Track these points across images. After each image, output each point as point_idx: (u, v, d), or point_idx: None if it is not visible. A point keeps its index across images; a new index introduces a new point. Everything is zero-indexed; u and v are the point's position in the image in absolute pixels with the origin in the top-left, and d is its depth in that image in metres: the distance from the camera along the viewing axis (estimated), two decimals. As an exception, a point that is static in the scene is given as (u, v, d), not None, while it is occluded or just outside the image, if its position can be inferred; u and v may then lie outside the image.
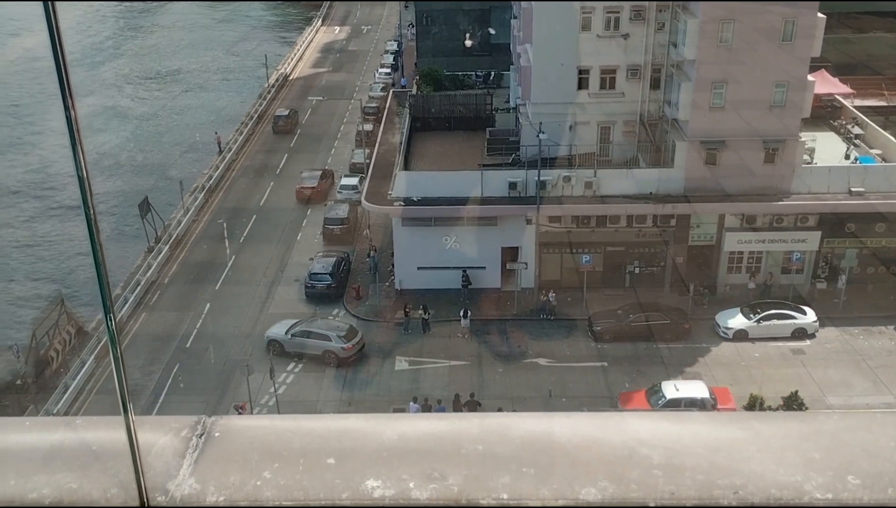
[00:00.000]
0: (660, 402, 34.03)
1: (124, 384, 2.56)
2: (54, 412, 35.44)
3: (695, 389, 34.76)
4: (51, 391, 36.79)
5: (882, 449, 2.56)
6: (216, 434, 2.71)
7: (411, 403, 35.26)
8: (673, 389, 34.63)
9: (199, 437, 2.70)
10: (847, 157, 43.46)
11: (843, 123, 46.82)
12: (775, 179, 40.77)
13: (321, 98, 69.33)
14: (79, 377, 37.75)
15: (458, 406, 34.87)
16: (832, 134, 46.16)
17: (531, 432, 2.66)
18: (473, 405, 34.65)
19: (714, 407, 33.81)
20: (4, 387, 37.32)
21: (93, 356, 39.24)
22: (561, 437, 2.62)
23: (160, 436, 2.70)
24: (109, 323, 2.53)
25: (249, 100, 79.14)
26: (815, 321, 40.16)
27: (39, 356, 37.64)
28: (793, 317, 40.19)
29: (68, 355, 38.95)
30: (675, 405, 33.55)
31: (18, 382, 37.48)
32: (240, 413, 34.46)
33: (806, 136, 41.47)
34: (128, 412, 2.54)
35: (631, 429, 2.62)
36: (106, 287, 2.51)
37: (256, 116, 71.60)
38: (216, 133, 67.09)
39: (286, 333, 39.71)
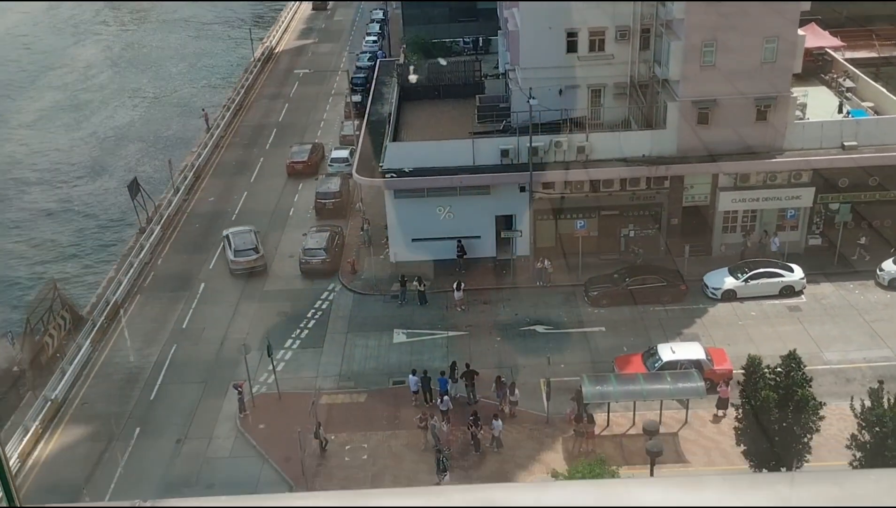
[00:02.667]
0: (656, 365, 34.05)
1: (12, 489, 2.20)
2: (52, 397, 35.38)
3: (691, 350, 34.75)
4: (48, 376, 36.70)
5: None
6: None
7: (410, 376, 35.24)
8: (669, 351, 34.62)
9: None
10: (840, 111, 43.14)
11: (835, 76, 46.44)
12: (768, 136, 40.48)
13: (308, 70, 68.51)
14: (76, 362, 37.65)
15: (453, 373, 34.86)
16: (824, 88, 45.82)
17: (520, 506, 2.34)
18: (470, 375, 34.66)
19: (711, 369, 33.85)
20: (1, 374, 37.20)
21: (89, 340, 39.10)
22: None
23: None
24: None
25: (236, 74, 78.30)
26: (802, 278, 40.17)
27: (35, 342, 37.48)
28: (780, 275, 40.17)
29: (64, 339, 38.79)
30: (672, 366, 33.57)
31: (15, 369, 37.35)
32: (239, 392, 34.52)
33: (797, 91, 41.12)
34: None
35: (635, 500, 2.30)
36: None
37: (243, 89, 70.82)
38: (203, 110, 66.43)
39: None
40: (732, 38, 38.74)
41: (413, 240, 43.95)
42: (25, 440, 33.30)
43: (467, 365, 34.97)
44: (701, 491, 2.34)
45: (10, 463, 28.17)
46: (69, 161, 65.10)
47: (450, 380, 34.66)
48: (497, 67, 54.19)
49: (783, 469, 27.02)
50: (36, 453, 33.58)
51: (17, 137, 70.51)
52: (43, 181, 62.15)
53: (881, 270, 40.64)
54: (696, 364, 33.65)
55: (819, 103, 43.28)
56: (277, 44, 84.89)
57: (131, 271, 44.77)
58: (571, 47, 43.01)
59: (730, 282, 40.15)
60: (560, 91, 43.49)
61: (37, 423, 34.16)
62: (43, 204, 58.74)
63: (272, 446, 33.14)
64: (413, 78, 51.07)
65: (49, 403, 35.19)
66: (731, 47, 38.93)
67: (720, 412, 32.91)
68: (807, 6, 39.34)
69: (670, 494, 2.31)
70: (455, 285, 41.12)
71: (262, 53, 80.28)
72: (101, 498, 31.16)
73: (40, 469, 32.98)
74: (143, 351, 39.38)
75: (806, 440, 27.02)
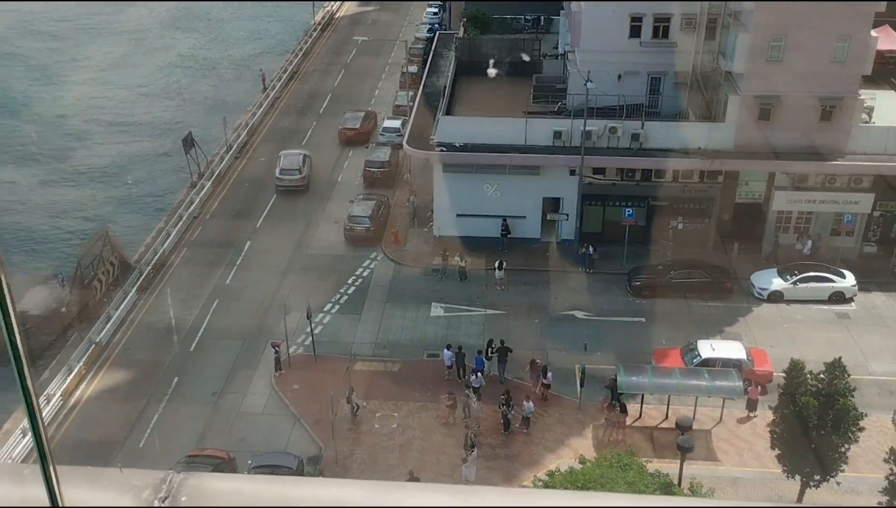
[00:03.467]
0: (694, 361, 33.62)
1: (44, 441, 2.13)
2: (97, 341, 36.18)
3: (731, 349, 34.23)
4: (93, 320, 37.51)
5: None
6: (182, 499, 2.38)
7: (445, 350, 35.31)
8: (709, 348, 34.14)
9: (163, 501, 2.38)
10: (907, 117, 41.83)
11: (906, 81, 45.00)
12: (831, 137, 39.45)
13: (366, 38, 68.42)
14: (121, 308, 38.42)
15: (488, 351, 34.84)
16: (893, 93, 44.42)
17: None
18: (504, 352, 34.62)
19: (751, 369, 33.34)
20: (50, 314, 38.12)
21: (135, 288, 39.85)
22: None
23: (118, 497, 2.36)
24: (23, 380, 2.09)
25: (295, 37, 78.56)
26: (853, 285, 39.21)
27: (83, 286, 38.29)
28: (831, 280, 39.28)
29: (111, 285, 39.57)
30: (711, 364, 33.13)
31: (63, 310, 38.25)
32: (276, 351, 34.92)
33: (865, 94, 39.92)
34: (48, 469, 2.15)
35: None
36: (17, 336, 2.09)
37: (301, 53, 71.04)
38: (261, 70, 66.80)
39: None
40: (802, 35, 37.70)
41: (458, 215, 43.87)
42: (69, 379, 34.15)
43: (502, 341, 34.94)
44: None
45: (53, 402, 28.78)
46: (129, 114, 66.09)
47: (485, 358, 34.64)
48: (556, 48, 53.59)
49: (817, 477, 26.60)
50: (78, 392, 34.42)
51: (78, 91, 71.76)
52: (97, 133, 63.18)
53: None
54: (736, 364, 33.16)
55: (887, 108, 41.98)
56: (338, 9, 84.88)
57: (180, 223, 45.43)
58: (634, 32, 42.33)
59: (778, 283, 39.40)
60: (619, 76, 42.89)
61: (80, 364, 34.99)
62: (100, 155, 59.76)
63: (304, 406, 33.54)
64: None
65: (93, 346, 36.00)
66: (800, 44, 37.90)
67: (750, 414, 32.46)
68: (882, 6, 38.14)
69: None
70: (497, 264, 40.99)
71: (323, 18, 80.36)
72: (137, 443, 31.88)
73: (81, 408, 33.82)
74: (186, 303, 40.01)
75: (843, 450, 26.51)
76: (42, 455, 2.09)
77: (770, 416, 28.29)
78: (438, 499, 2.36)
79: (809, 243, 41.44)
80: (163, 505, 2.34)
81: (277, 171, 49.42)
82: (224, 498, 2.38)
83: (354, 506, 2.33)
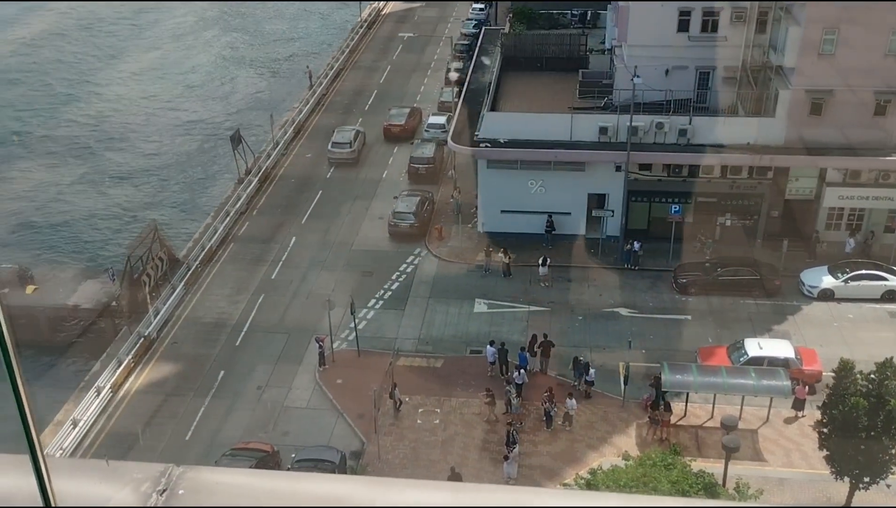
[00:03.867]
0: (741, 359, 33.08)
1: (32, 434, 2.14)
2: (145, 334, 36.93)
3: (779, 348, 33.60)
4: (143, 314, 38.29)
5: None
6: (180, 493, 2.38)
7: (488, 346, 35.27)
8: (756, 346, 33.56)
9: (161, 494, 2.37)
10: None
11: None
12: (885, 132, 38.44)
13: (412, 34, 68.58)
14: (169, 302, 39.16)
15: (532, 347, 34.74)
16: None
17: None
18: (547, 346, 34.52)
19: (799, 368, 32.68)
20: (101, 308, 39.01)
21: (183, 283, 40.57)
22: None
23: (117, 489, 2.37)
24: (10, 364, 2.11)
25: (341, 35, 79.09)
26: None
27: (133, 281, 39.10)
28: (884, 278, 38.28)
29: (160, 280, 40.36)
30: (758, 362, 32.56)
31: (113, 304, 39.12)
32: (320, 346, 35.23)
33: (922, 87, 38.83)
34: (38, 462, 2.15)
35: None
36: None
37: (348, 50, 71.52)
38: (307, 67, 67.40)
39: None
40: (856, 28, 36.78)
41: (502, 211, 43.77)
42: (118, 371, 34.93)
43: (545, 335, 34.82)
44: None
45: (103, 394, 29.34)
46: (177, 112, 67.28)
47: (528, 354, 34.56)
48: (603, 42, 53.11)
49: (866, 479, 25.99)
50: (126, 385, 35.19)
51: (121, 91, 73.26)
52: (144, 131, 64.41)
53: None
54: (784, 363, 32.54)
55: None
56: (385, 6, 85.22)
57: (227, 219, 46.10)
58: (683, 26, 41.72)
59: (828, 281, 38.55)
60: (666, 71, 42.32)
61: (129, 357, 35.76)
62: (149, 151, 60.93)
63: (348, 401, 33.81)
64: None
65: (142, 339, 36.77)
66: (853, 37, 36.98)
67: (799, 414, 31.82)
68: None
69: None
70: (541, 261, 40.81)
71: (369, 15, 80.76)
72: (184, 436, 32.47)
73: (130, 400, 34.58)
74: (232, 298, 40.62)
75: (894, 451, 25.84)
76: (31, 446, 2.10)
77: (818, 416, 27.70)
78: (437, 498, 2.34)
79: (851, 240, 40.48)
80: (160, 499, 2.35)
81: (330, 144, 52.66)
82: (222, 492, 2.38)
83: (351, 505, 2.32)
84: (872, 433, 25.49)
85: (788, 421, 32.00)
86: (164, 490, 2.38)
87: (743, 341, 34.24)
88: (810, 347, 34.87)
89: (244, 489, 2.40)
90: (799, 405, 31.68)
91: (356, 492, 2.36)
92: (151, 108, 68.05)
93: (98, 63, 77.89)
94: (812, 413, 30.36)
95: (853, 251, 40.30)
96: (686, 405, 32.59)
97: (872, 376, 25.91)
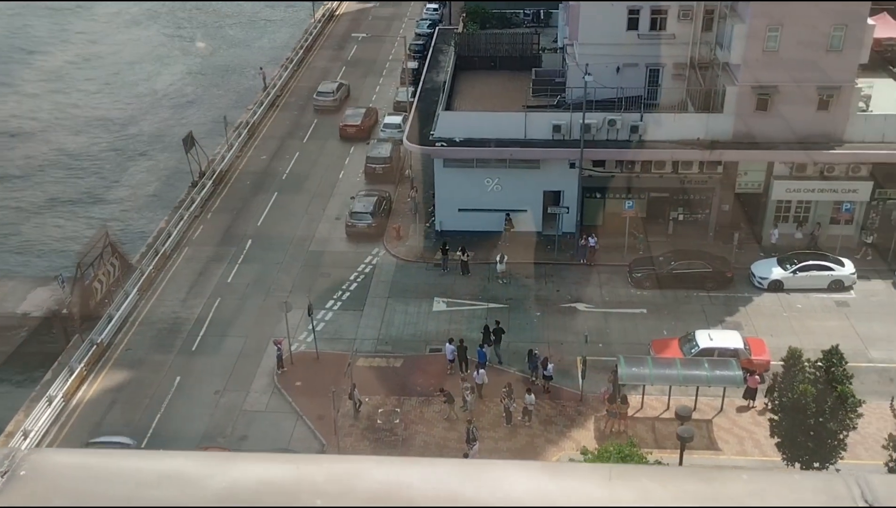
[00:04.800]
0: (692, 351, 33.72)
1: None
2: (98, 341, 36.40)
3: (729, 339, 34.35)
4: (95, 320, 37.72)
5: None
6: (21, 473, 2.37)
7: (447, 344, 35.44)
8: (706, 338, 34.25)
9: (2, 475, 2.38)
10: (906, 104, 41.74)
11: (904, 69, 44.89)
12: (828, 126, 39.43)
13: (366, 35, 68.46)
14: (122, 308, 38.64)
15: (486, 337, 35.46)
16: (890, 81, 44.30)
17: (383, 483, 2.34)
18: (499, 333, 35.34)
19: (748, 358, 33.39)
20: (51, 316, 38.34)
21: (136, 289, 40.05)
22: (417, 490, 2.30)
23: None
24: None
25: (296, 35, 78.64)
26: (853, 274, 39.25)
27: (84, 287, 38.50)
28: (830, 268, 39.31)
29: (112, 286, 39.79)
30: (709, 353, 33.22)
31: (64, 311, 38.47)
32: (278, 349, 35.07)
33: (863, 82, 39.87)
34: None
35: (500, 484, 2.32)
36: None
37: (302, 50, 71.13)
38: (261, 68, 66.91)
39: None
40: (799, 24, 37.66)
41: (459, 210, 43.97)
42: (70, 381, 34.36)
43: (497, 322, 35.30)
44: (567, 480, 2.32)
45: (55, 403, 28.79)
46: (127, 114, 66.32)
47: (485, 345, 34.87)
48: (555, 41, 53.61)
49: (816, 464, 26.67)
50: (79, 394, 34.66)
51: (81, 88, 72.02)
52: (94, 132, 63.42)
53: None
54: (734, 353, 33.24)
55: (884, 96, 41.91)
56: (338, 7, 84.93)
57: (181, 223, 45.61)
58: (632, 25, 42.36)
59: (778, 272, 39.44)
60: (617, 69, 42.90)
61: (81, 365, 35.21)
62: (99, 153, 59.99)
63: (307, 403, 33.71)
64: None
65: (94, 346, 36.23)
66: (796, 33, 37.86)
67: (749, 404, 32.53)
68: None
69: (537, 482, 2.29)
70: (498, 258, 41.10)
71: (323, 15, 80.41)
72: (139, 443, 32.09)
73: (83, 409, 34.05)
74: (187, 302, 40.21)
75: (842, 436, 26.57)
76: None
77: (766, 403, 28.31)
78: (270, 470, 2.35)
79: (776, 232, 41.67)
80: (2, 479, 2.36)
81: (315, 94, 60.36)
82: (64, 473, 2.39)
83: (190, 481, 2.35)
84: (821, 419, 26.17)
85: (741, 410, 32.68)
86: (6, 472, 2.38)
87: (694, 332, 34.89)
88: (761, 337, 35.65)
89: (85, 469, 2.41)
90: (751, 393, 32.37)
91: (195, 469, 2.39)
92: (102, 108, 66.99)
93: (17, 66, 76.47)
94: (764, 402, 31.06)
95: (778, 243, 41.35)
96: (643, 398, 33.11)
97: (820, 363, 26.59)
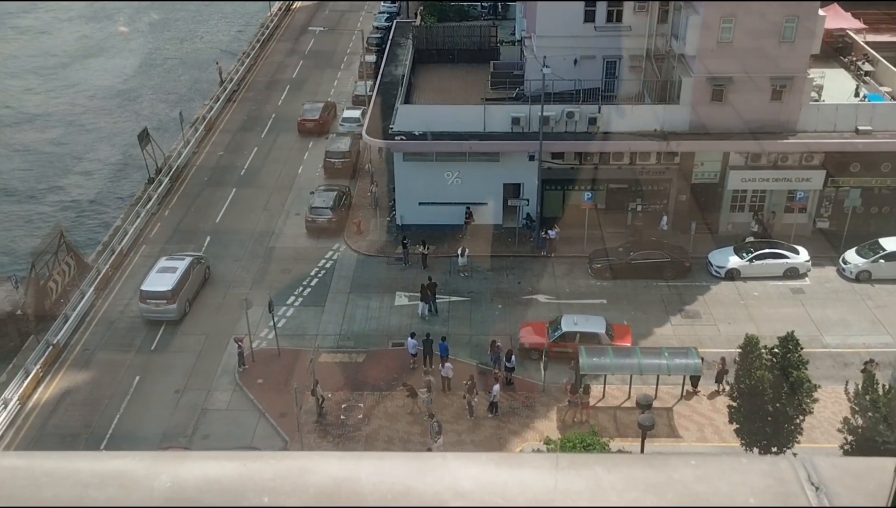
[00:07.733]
0: (555, 334, 34.41)
1: None
2: (54, 342, 35.73)
3: (593, 324, 35.01)
4: (51, 321, 37.02)
5: (740, 503, 2.26)
6: None
7: (409, 338, 35.40)
8: (571, 322, 34.95)
9: None
10: (856, 94, 42.62)
11: (854, 59, 45.80)
12: (782, 116, 40.09)
13: (323, 28, 68.02)
14: (79, 308, 37.96)
15: (423, 295, 37.48)
16: (842, 71, 45.21)
17: (333, 479, 2.33)
18: (433, 288, 37.61)
19: (610, 343, 33.88)
20: (4, 317, 37.53)
21: (92, 288, 39.38)
22: (367, 485, 2.30)
23: None
24: None
25: (251, 29, 77.84)
26: (807, 261, 40.06)
27: (39, 287, 37.75)
28: (785, 257, 40.06)
29: (68, 286, 39.07)
30: (570, 338, 34.01)
31: (18, 312, 37.66)
32: (239, 346, 34.77)
33: (815, 73, 40.63)
34: None
35: (451, 476, 2.33)
36: None
37: (258, 44, 70.42)
38: (217, 63, 66.12)
39: None
40: (751, 16, 38.20)
41: (420, 204, 43.91)
42: (26, 383, 33.69)
43: (429, 278, 37.39)
44: (518, 470, 2.33)
45: (10, 406, 28.22)
46: (84, 109, 65.11)
47: (425, 304, 37.44)
48: (513, 34, 53.71)
49: (774, 449, 27.17)
50: (36, 396, 34.00)
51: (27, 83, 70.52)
52: (52, 127, 62.18)
53: (846, 262, 40.27)
54: (595, 337, 34.12)
55: (836, 86, 42.77)
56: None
57: (138, 220, 44.94)
58: (589, 17, 42.59)
59: (734, 261, 40.07)
60: (575, 61, 43.13)
61: (38, 367, 34.54)
62: (52, 150, 58.82)
63: (269, 400, 33.47)
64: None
65: (50, 347, 35.55)
66: (749, 25, 38.40)
67: (693, 389, 33.36)
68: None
69: (486, 472, 2.30)
70: (459, 251, 41.15)
71: (280, 8, 79.66)
72: (98, 444, 31.60)
73: (39, 411, 33.41)
74: (146, 301, 39.57)
75: (798, 421, 27.09)
76: None
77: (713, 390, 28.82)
78: (215, 467, 2.32)
79: (665, 219, 42.72)
80: None
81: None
82: (6, 475, 2.35)
83: (132, 482, 2.32)
84: (778, 405, 26.65)
85: (688, 397, 33.10)
86: None
87: (560, 317, 35.60)
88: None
89: (24, 471, 2.37)
90: (694, 380, 33.05)
91: (137, 469, 2.37)
92: (57, 101, 65.68)
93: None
94: (706, 387, 32.10)
95: (668, 231, 42.45)
96: (604, 387, 33.42)
97: (776, 349, 27.07)
